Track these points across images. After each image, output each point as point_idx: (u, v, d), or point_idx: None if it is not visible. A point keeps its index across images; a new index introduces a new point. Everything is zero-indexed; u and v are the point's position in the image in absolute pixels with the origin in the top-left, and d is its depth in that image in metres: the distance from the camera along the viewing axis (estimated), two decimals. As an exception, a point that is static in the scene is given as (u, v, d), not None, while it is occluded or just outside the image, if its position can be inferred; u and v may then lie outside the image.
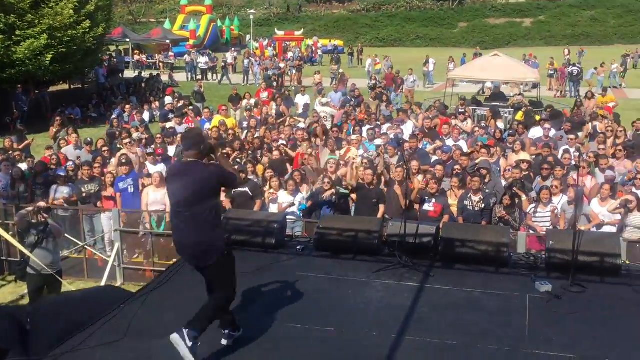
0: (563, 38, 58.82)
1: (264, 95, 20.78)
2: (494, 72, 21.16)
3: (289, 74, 33.66)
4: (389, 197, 10.22)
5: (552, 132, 14.02)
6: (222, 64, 36.31)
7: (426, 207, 10.00)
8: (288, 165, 12.41)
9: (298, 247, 7.47)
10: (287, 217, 9.65)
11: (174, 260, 7.84)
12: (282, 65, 35.04)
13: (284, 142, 13.50)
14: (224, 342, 5.31)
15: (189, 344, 4.76)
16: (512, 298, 6.25)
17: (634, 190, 10.09)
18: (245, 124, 16.10)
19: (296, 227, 9.67)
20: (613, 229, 9.47)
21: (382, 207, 10.09)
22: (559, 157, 11.93)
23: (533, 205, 9.72)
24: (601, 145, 12.37)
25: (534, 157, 12.47)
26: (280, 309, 6.01)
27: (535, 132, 14.39)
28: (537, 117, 16.32)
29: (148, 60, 41.18)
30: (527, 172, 11.09)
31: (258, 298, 6.25)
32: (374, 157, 11.95)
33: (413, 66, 30.69)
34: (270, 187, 10.66)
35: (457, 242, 7.12)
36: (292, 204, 10.39)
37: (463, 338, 5.45)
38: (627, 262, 7.17)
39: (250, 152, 12.63)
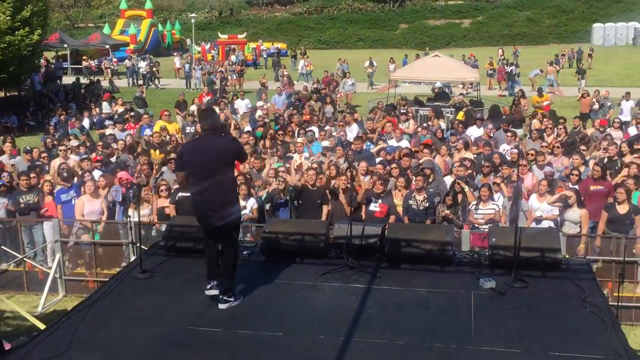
0: (501, 38, 60.16)
1: (207, 100, 20.56)
2: (435, 73, 21.53)
3: (230, 78, 33.33)
4: (335, 206, 10.28)
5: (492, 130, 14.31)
6: (147, 68, 35.64)
7: (372, 207, 10.06)
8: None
9: (244, 253, 7.38)
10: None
11: (117, 269, 7.68)
12: (222, 69, 34.61)
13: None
14: (212, 292, 6.03)
15: (232, 298, 6.00)
16: (458, 296, 6.32)
17: (570, 185, 10.39)
18: (188, 129, 15.89)
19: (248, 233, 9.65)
20: (551, 224, 9.71)
21: (325, 208, 10.10)
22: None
23: (474, 202, 9.89)
24: (541, 142, 12.68)
25: (475, 155, 12.70)
26: (226, 315, 5.93)
27: (473, 131, 14.66)
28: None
29: (96, 66, 40.26)
30: (470, 171, 11.29)
31: (202, 305, 6.15)
32: (319, 159, 12.01)
33: (356, 68, 30.90)
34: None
35: (402, 242, 7.16)
36: (244, 208, 10.32)
37: (410, 337, 5.48)
38: (567, 257, 7.34)
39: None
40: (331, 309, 6.11)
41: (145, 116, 16.76)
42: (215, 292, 6.03)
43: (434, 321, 5.81)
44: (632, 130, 15.03)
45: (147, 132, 14.98)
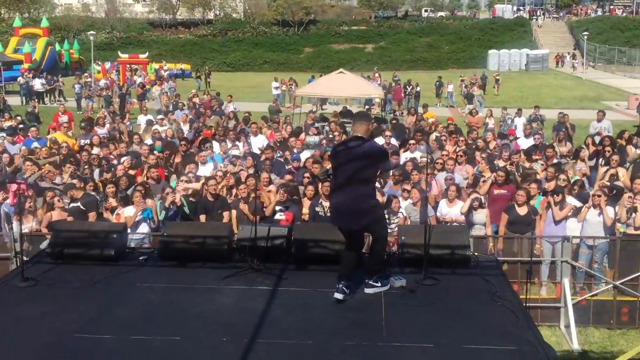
0: (403, 63, 61.79)
1: (64, 118, 19.36)
2: (339, 89, 21.58)
3: (129, 102, 31.15)
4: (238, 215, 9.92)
5: (393, 140, 14.43)
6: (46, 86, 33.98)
7: (277, 216, 9.74)
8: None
9: (141, 258, 6.85)
10: (138, 231, 9.07)
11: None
12: (122, 88, 32.72)
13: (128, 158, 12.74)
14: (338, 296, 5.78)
15: (379, 283, 6.01)
16: (368, 295, 6.06)
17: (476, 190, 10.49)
18: (82, 141, 15.08)
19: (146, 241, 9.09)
20: (460, 227, 9.72)
21: (226, 215, 9.72)
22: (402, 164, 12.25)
23: (385, 211, 9.76)
24: (441, 152, 12.81)
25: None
26: (120, 322, 5.39)
27: (378, 142, 14.72)
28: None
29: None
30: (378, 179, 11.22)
31: (94, 313, 5.58)
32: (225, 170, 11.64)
33: (261, 90, 30.48)
34: (109, 201, 9.95)
35: (310, 243, 6.85)
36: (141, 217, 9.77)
37: (319, 337, 5.16)
38: (476, 254, 7.26)
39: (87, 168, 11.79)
40: (235, 312, 5.69)
41: (33, 129, 15.84)
42: (340, 296, 5.79)
43: (344, 320, 5.51)
44: (523, 141, 15.52)
45: (35, 144, 14.14)
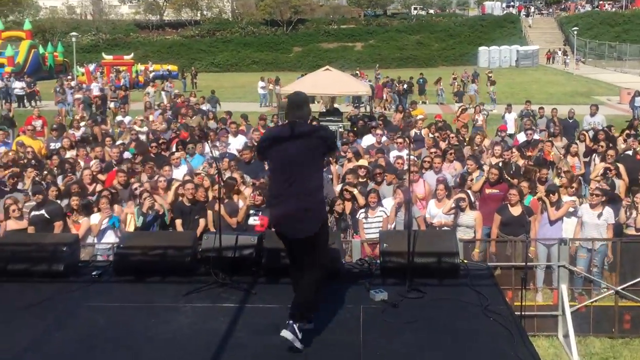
0: (392, 61, 61.15)
1: (38, 123, 18.46)
2: (326, 86, 20.85)
3: (111, 107, 28.08)
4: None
5: (384, 139, 13.76)
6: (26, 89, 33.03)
7: (252, 221, 9.09)
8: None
9: (93, 273, 6.15)
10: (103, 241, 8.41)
11: None
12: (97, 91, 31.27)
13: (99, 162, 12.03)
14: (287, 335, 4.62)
15: (300, 336, 4.61)
16: (345, 312, 5.40)
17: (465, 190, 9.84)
18: (52, 145, 14.35)
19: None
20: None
21: (202, 222, 9.05)
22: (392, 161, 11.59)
23: (363, 210, 9.13)
24: (431, 149, 12.16)
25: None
26: (57, 352, 4.72)
27: (367, 140, 14.09)
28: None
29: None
30: (364, 179, 10.61)
31: (34, 340, 4.89)
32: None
33: (248, 89, 29.73)
34: (74, 210, 9.23)
35: (282, 253, 6.14)
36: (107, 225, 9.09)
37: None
38: (465, 262, 6.61)
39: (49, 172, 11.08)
40: (193, 333, 5.02)
41: (0, 132, 15.07)
42: (289, 335, 4.62)
43: (317, 342, 4.84)
44: (521, 137, 14.96)
45: (3, 148, 13.39)
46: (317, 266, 4.91)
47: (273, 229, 5.03)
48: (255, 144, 13.46)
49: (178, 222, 9.43)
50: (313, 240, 4.88)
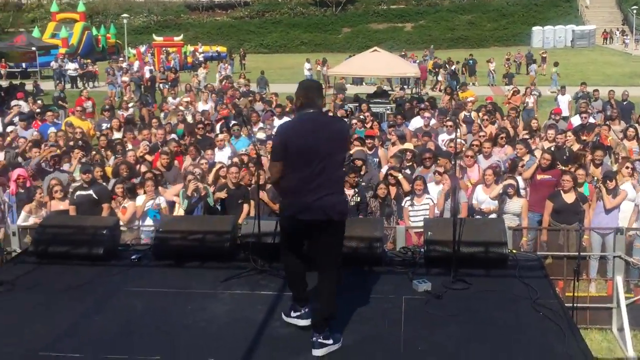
0: (443, 41, 59.97)
1: (88, 104, 18.65)
2: (373, 68, 20.56)
3: (161, 88, 28.55)
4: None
5: (433, 121, 13.43)
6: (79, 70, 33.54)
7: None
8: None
9: (132, 257, 6.12)
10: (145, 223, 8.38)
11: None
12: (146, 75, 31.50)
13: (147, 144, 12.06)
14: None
15: (331, 340, 4.42)
16: (386, 302, 5.21)
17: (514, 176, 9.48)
18: (105, 126, 14.47)
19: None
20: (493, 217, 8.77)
21: (245, 207, 8.94)
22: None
23: (408, 198, 8.87)
24: (481, 133, 11.79)
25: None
26: (95, 336, 4.67)
27: (416, 123, 13.77)
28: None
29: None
30: (410, 163, 10.36)
31: (68, 325, 4.86)
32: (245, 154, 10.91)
33: (297, 71, 29.58)
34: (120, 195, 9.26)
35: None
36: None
37: (325, 355, 4.35)
38: (514, 252, 6.33)
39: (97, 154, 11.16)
40: (230, 322, 4.92)
41: (49, 113, 15.26)
42: (303, 322, 4.66)
43: (356, 333, 4.68)
44: (576, 120, 14.41)
45: (52, 129, 13.55)
46: (334, 268, 4.61)
47: (286, 214, 4.64)
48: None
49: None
50: (335, 227, 4.55)
